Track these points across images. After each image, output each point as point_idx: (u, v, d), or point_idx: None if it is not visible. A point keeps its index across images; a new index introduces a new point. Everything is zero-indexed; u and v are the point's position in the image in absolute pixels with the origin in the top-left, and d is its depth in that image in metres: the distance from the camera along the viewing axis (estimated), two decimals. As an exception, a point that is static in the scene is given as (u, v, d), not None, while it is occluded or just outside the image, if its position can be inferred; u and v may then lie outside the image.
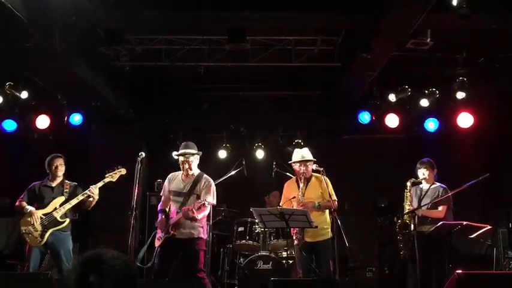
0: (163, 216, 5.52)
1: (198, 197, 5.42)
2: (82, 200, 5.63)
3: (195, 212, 5.19)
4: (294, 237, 5.79)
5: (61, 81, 6.96)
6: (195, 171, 5.61)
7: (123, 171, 5.75)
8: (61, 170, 5.83)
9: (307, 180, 5.82)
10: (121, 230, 6.05)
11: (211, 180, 5.62)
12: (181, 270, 5.66)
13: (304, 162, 5.78)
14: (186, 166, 5.50)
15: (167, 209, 5.59)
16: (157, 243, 5.52)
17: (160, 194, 5.78)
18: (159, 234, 5.50)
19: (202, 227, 5.49)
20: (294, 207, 5.65)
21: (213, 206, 5.82)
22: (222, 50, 6.66)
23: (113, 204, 7.14)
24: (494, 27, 5.59)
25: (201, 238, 5.48)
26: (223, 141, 8.47)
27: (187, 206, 5.32)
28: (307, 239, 5.69)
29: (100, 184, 5.67)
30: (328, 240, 5.67)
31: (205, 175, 5.63)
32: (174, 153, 5.61)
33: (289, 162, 6.01)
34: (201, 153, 5.67)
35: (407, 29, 5.26)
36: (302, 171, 5.76)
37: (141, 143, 8.12)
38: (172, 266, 5.66)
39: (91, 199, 5.67)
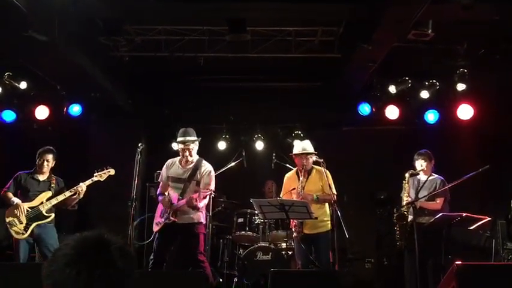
0: (164, 201, 5.51)
1: (198, 184, 5.43)
2: (68, 196, 5.68)
3: (198, 201, 5.21)
4: (293, 229, 5.80)
5: (60, 71, 6.92)
6: (195, 157, 5.59)
7: (112, 171, 5.81)
8: (47, 166, 5.82)
9: (308, 172, 5.82)
10: (120, 221, 6.06)
11: (211, 167, 5.61)
12: (180, 254, 5.64)
13: (305, 154, 5.77)
14: (187, 153, 5.48)
15: (166, 194, 5.60)
16: (155, 228, 5.53)
17: (159, 180, 5.78)
18: (158, 219, 5.50)
19: (201, 212, 5.52)
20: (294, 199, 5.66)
21: (213, 197, 5.83)
22: (222, 41, 6.63)
23: (112, 195, 7.15)
24: (496, 18, 5.55)
25: (201, 223, 5.52)
26: (223, 132, 8.46)
27: (190, 194, 5.33)
28: (306, 231, 5.70)
29: (88, 182, 5.72)
30: (327, 232, 5.68)
31: (204, 161, 5.61)
32: (174, 144, 5.58)
33: (290, 154, 6.01)
34: (200, 139, 5.64)
35: (409, 20, 5.23)
36: (303, 163, 5.76)
37: (140, 134, 8.11)
38: (170, 250, 5.66)
39: (75, 196, 5.70)
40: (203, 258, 5.45)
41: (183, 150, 5.49)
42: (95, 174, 5.75)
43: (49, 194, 5.74)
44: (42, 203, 5.67)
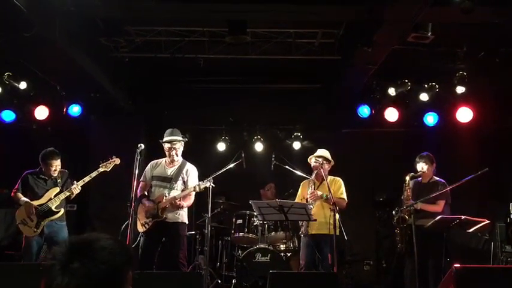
0: (149, 201, 5.57)
1: (184, 183, 5.59)
2: (70, 194, 5.75)
3: (182, 200, 5.40)
4: (302, 228, 5.88)
5: (60, 71, 6.94)
6: (180, 158, 5.74)
7: (117, 161, 5.87)
8: (57, 170, 5.89)
9: (322, 179, 5.90)
10: (119, 221, 6.06)
11: (194, 167, 5.77)
12: (162, 256, 5.65)
13: (318, 158, 5.87)
14: (173, 153, 5.63)
15: (145, 193, 5.69)
16: (141, 229, 5.54)
17: (141, 180, 5.79)
18: (144, 219, 5.52)
19: (185, 211, 5.63)
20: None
21: (212, 199, 5.85)
22: (222, 42, 6.64)
23: (111, 195, 7.15)
24: (496, 21, 5.56)
25: (184, 223, 5.63)
26: (222, 133, 8.47)
27: (176, 192, 5.48)
28: (314, 231, 5.75)
29: (94, 174, 5.76)
30: (333, 235, 5.70)
31: (188, 162, 5.77)
32: (163, 141, 5.68)
33: (309, 157, 6.12)
34: (186, 139, 5.84)
35: (409, 22, 5.24)
36: (317, 169, 5.84)
37: (140, 135, 8.10)
38: (158, 251, 5.67)
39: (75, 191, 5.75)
40: (184, 262, 5.51)
41: (170, 149, 5.64)
42: (100, 165, 5.80)
43: (57, 190, 5.81)
44: (50, 199, 5.73)
